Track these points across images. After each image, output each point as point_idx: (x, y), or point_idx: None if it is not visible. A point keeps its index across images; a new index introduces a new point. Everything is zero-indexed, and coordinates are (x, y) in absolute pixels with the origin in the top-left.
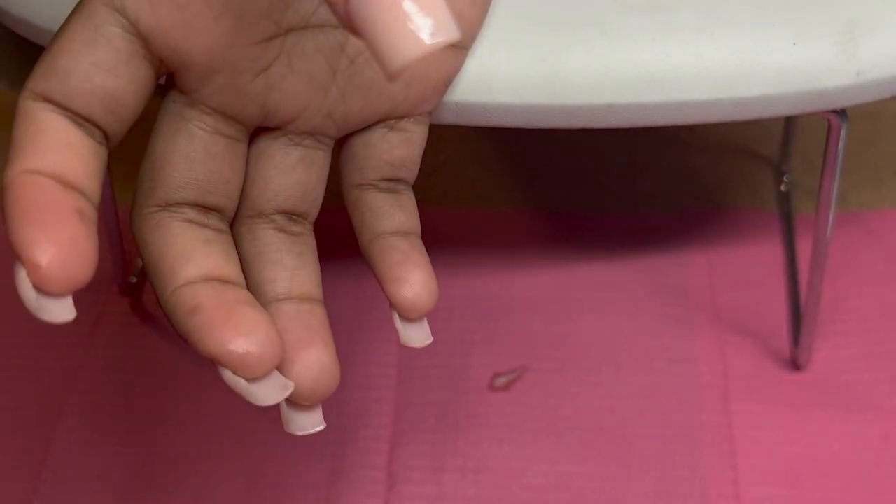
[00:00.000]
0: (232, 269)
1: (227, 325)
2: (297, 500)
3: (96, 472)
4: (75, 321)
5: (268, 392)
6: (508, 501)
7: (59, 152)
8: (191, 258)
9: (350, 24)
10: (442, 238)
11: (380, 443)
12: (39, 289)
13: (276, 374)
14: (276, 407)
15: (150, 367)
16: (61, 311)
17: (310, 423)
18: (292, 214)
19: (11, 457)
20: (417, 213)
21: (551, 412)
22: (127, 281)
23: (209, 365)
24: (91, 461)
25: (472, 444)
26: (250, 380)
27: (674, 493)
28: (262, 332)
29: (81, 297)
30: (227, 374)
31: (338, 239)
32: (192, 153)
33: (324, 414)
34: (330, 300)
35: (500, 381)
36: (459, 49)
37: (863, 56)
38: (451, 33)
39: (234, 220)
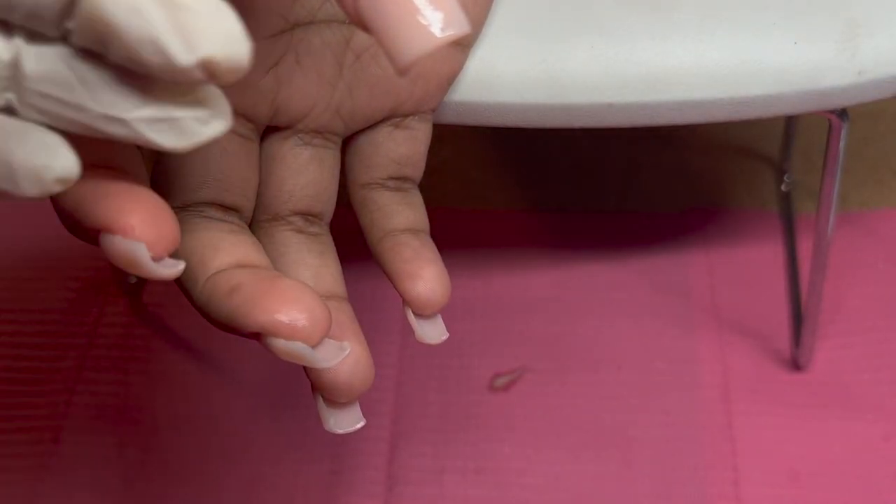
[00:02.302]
0: (262, 258)
1: (271, 295)
2: (297, 500)
3: (96, 472)
4: (75, 321)
5: (326, 355)
6: (509, 502)
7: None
8: (219, 248)
9: (359, 19)
10: (442, 238)
11: (380, 443)
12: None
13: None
14: (277, 407)
15: (151, 368)
16: (167, 268)
17: (349, 420)
18: (308, 215)
19: (12, 457)
20: (425, 211)
21: (551, 412)
22: (127, 281)
23: (211, 366)
24: (91, 461)
25: (472, 444)
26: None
27: (674, 493)
28: (307, 299)
29: (81, 298)
30: (279, 343)
31: (337, 239)
32: (208, 152)
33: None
34: None
35: (500, 381)
36: (463, 46)
37: (863, 55)
38: (462, 27)
39: (250, 225)
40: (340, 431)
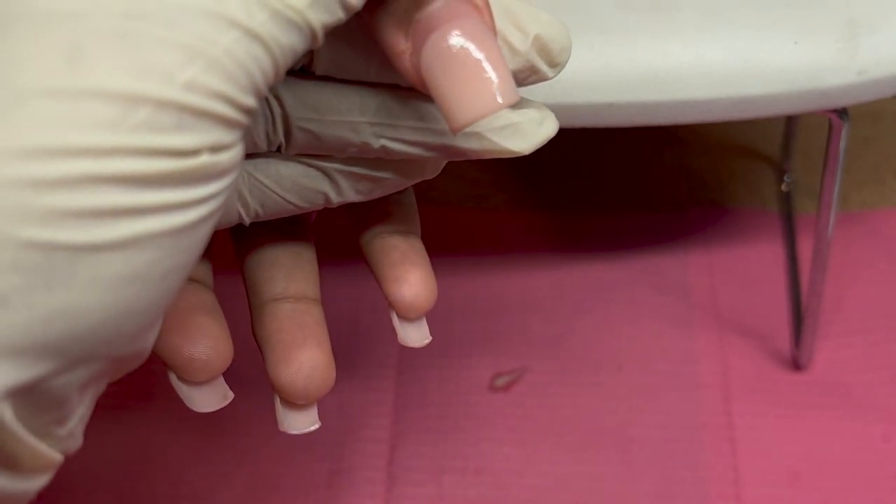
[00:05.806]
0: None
1: (179, 330)
2: (297, 500)
3: (96, 471)
4: None
5: (207, 400)
6: (508, 502)
7: None
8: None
9: (416, 77)
10: (442, 238)
11: (379, 443)
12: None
13: (219, 381)
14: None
15: (150, 368)
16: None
17: (304, 422)
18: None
19: None
20: (417, 213)
21: (552, 413)
22: None
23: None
24: (91, 461)
25: (472, 444)
26: (192, 384)
27: (675, 493)
28: (212, 339)
29: None
30: (172, 377)
31: (338, 239)
32: None
33: (323, 414)
34: (330, 301)
35: (501, 381)
36: None
37: (864, 55)
38: (514, 98)
39: None
40: (294, 432)
